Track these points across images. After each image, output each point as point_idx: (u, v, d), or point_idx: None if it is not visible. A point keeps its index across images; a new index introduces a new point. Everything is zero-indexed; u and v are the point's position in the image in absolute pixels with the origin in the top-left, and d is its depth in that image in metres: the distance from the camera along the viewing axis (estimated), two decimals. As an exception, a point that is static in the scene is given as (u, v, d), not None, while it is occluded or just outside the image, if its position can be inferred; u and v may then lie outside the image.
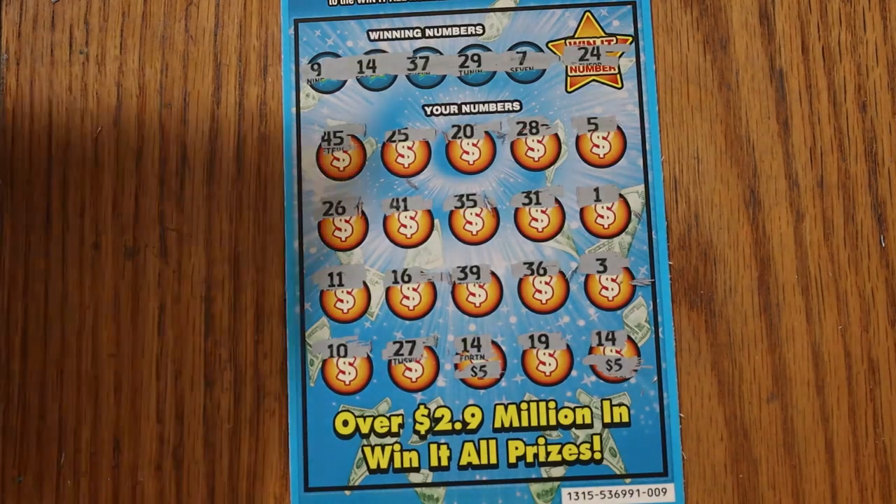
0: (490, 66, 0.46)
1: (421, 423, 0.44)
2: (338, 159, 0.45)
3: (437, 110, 0.45)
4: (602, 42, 0.46)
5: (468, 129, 0.45)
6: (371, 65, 0.46)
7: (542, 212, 0.45)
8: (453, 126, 0.45)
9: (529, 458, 0.43)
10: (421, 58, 0.46)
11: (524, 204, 0.45)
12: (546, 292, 0.44)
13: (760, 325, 0.44)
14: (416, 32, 0.46)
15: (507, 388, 0.44)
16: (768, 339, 0.44)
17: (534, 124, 0.45)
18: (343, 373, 0.44)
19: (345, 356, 0.44)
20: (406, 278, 0.44)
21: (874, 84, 0.45)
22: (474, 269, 0.44)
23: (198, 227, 0.45)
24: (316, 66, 0.46)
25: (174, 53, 0.46)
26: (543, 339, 0.44)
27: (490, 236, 0.45)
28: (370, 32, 0.46)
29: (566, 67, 0.45)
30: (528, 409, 0.44)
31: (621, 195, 0.45)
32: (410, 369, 0.44)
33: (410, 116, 0.45)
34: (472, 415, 0.44)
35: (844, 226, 0.44)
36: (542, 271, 0.44)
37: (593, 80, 0.45)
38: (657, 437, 0.43)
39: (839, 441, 0.43)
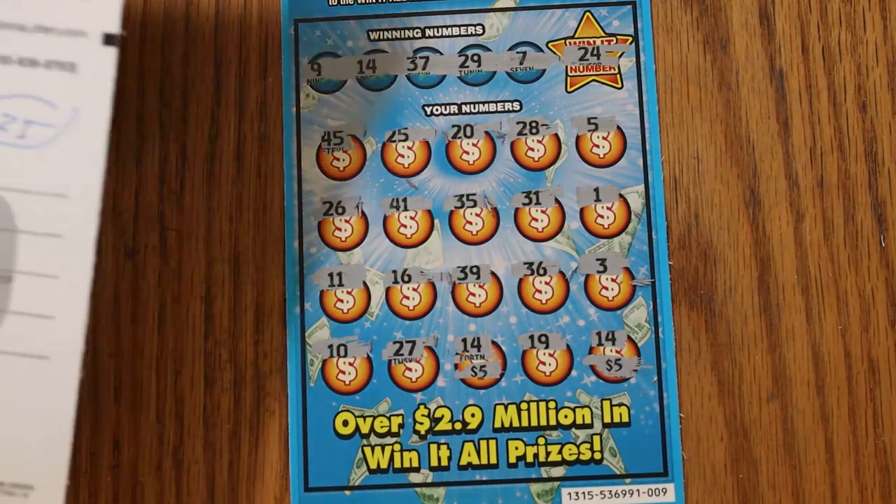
0: (490, 66, 0.46)
1: (421, 423, 0.44)
2: (338, 159, 0.45)
3: (437, 110, 0.45)
4: (602, 42, 0.46)
5: (468, 129, 0.45)
6: (371, 65, 0.46)
7: (542, 212, 0.45)
8: (453, 126, 0.45)
9: (529, 458, 0.43)
10: (421, 58, 0.46)
11: (524, 204, 0.45)
12: (546, 292, 0.44)
13: (760, 325, 0.44)
14: (416, 32, 0.46)
15: (507, 388, 0.44)
16: (768, 339, 0.44)
17: (534, 124, 0.45)
18: (343, 373, 0.44)
19: (345, 356, 0.44)
20: (406, 278, 0.44)
21: (874, 84, 0.45)
22: (474, 269, 0.44)
23: (198, 227, 0.45)
24: (316, 66, 0.46)
25: (174, 53, 0.46)
26: (543, 339, 0.44)
27: (490, 236, 0.45)
28: (370, 32, 0.46)
29: (566, 67, 0.45)
30: (528, 409, 0.44)
31: (621, 195, 0.45)
32: (410, 369, 0.44)
33: (410, 116, 0.45)
34: (472, 415, 0.44)
35: (844, 226, 0.44)
36: (542, 271, 0.44)
37: (593, 80, 0.45)
38: (657, 437, 0.43)
39: (839, 441, 0.43)
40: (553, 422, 0.44)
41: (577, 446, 0.43)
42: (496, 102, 0.45)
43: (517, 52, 0.46)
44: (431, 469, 0.43)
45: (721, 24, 0.46)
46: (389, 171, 0.45)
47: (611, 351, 0.44)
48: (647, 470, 0.43)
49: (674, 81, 0.45)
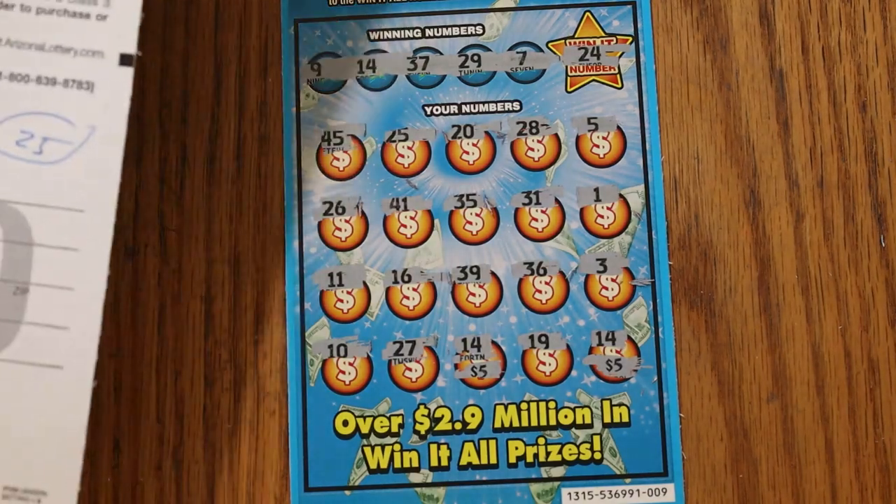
0: (490, 66, 0.46)
1: (421, 423, 0.44)
2: (338, 159, 0.45)
3: (437, 110, 0.45)
4: (602, 42, 0.46)
5: (468, 129, 0.45)
6: (371, 65, 0.46)
7: (542, 212, 0.45)
8: (453, 126, 0.45)
9: (529, 458, 0.43)
10: (421, 58, 0.46)
11: (524, 204, 0.45)
12: (546, 292, 0.44)
13: (760, 325, 0.44)
14: (416, 32, 0.46)
15: (507, 388, 0.44)
16: (768, 339, 0.44)
17: (534, 124, 0.45)
18: (343, 373, 0.44)
19: (345, 356, 0.44)
20: (406, 278, 0.44)
21: (874, 84, 0.45)
22: (474, 269, 0.44)
23: (198, 227, 0.45)
24: (316, 66, 0.46)
25: (174, 53, 0.46)
26: (543, 339, 0.44)
27: (490, 236, 0.45)
28: (370, 32, 0.46)
29: (566, 67, 0.45)
30: (528, 409, 0.44)
31: (621, 195, 0.45)
32: (410, 369, 0.44)
33: (410, 116, 0.45)
34: (472, 415, 0.44)
35: (844, 226, 0.44)
36: (542, 271, 0.44)
37: (593, 80, 0.45)
38: (657, 437, 0.43)
39: (839, 441, 0.43)
40: (553, 422, 0.44)
41: (577, 446, 0.43)
42: (496, 102, 0.45)
43: (517, 52, 0.46)
44: (431, 469, 0.43)
45: (721, 24, 0.46)
46: (389, 171, 0.45)
47: (611, 351, 0.44)
48: (647, 470, 0.43)
49: (674, 81, 0.45)
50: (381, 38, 0.46)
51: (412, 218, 0.45)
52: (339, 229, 0.45)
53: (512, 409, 0.44)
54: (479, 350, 0.44)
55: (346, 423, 0.44)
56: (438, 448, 0.44)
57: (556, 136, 0.45)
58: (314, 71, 0.46)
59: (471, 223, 0.45)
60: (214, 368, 0.44)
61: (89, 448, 0.44)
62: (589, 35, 0.46)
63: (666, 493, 0.43)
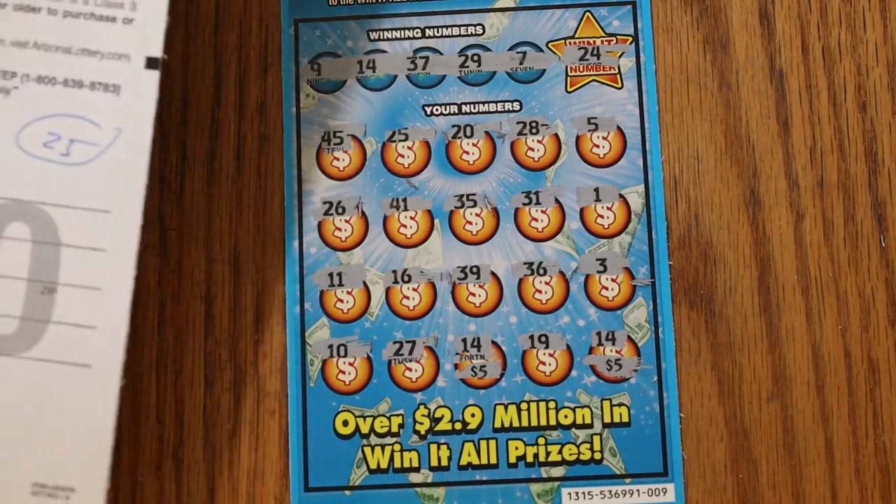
0: (490, 66, 0.46)
1: (421, 423, 0.44)
2: (338, 159, 0.45)
3: (437, 110, 0.45)
4: (602, 42, 0.46)
5: (468, 129, 0.45)
6: (371, 65, 0.46)
7: (542, 212, 0.45)
8: (453, 126, 0.45)
9: (529, 458, 0.43)
10: (421, 58, 0.46)
11: (524, 204, 0.45)
12: (546, 292, 0.44)
13: (760, 325, 0.44)
14: (416, 32, 0.46)
15: (507, 388, 0.44)
16: (768, 339, 0.44)
17: (534, 124, 0.45)
18: (343, 373, 0.44)
19: (345, 356, 0.44)
20: (406, 278, 0.44)
21: (874, 84, 0.45)
22: (474, 269, 0.44)
23: (198, 227, 0.45)
24: (316, 66, 0.46)
25: (174, 53, 0.46)
26: (543, 339, 0.44)
27: (490, 236, 0.45)
28: (370, 32, 0.46)
29: (566, 67, 0.45)
30: (528, 409, 0.44)
31: (621, 195, 0.45)
32: (410, 369, 0.44)
33: (410, 116, 0.45)
34: (472, 415, 0.44)
35: (844, 226, 0.44)
36: (542, 271, 0.44)
37: (593, 80, 0.45)
38: (657, 437, 0.43)
39: (839, 441, 0.43)
40: (553, 422, 0.44)
41: (577, 446, 0.43)
42: (496, 102, 0.45)
43: (517, 52, 0.46)
44: (431, 469, 0.43)
45: (721, 24, 0.46)
46: (389, 171, 0.45)
47: (611, 351, 0.44)
48: (647, 470, 0.43)
49: (674, 81, 0.45)
50: (381, 38, 0.46)
51: (412, 218, 0.45)
52: (339, 229, 0.45)
53: (512, 409, 0.44)
54: (479, 350, 0.44)
55: (346, 423, 0.44)
56: (438, 448, 0.44)
57: (556, 136, 0.45)
58: (314, 71, 0.46)
59: (471, 223, 0.45)
60: (214, 368, 0.44)
61: (89, 448, 0.44)
62: (589, 35, 0.46)
63: (666, 493, 0.43)
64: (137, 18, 0.38)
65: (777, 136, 0.45)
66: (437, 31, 0.46)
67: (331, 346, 0.44)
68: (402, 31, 0.46)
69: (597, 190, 0.45)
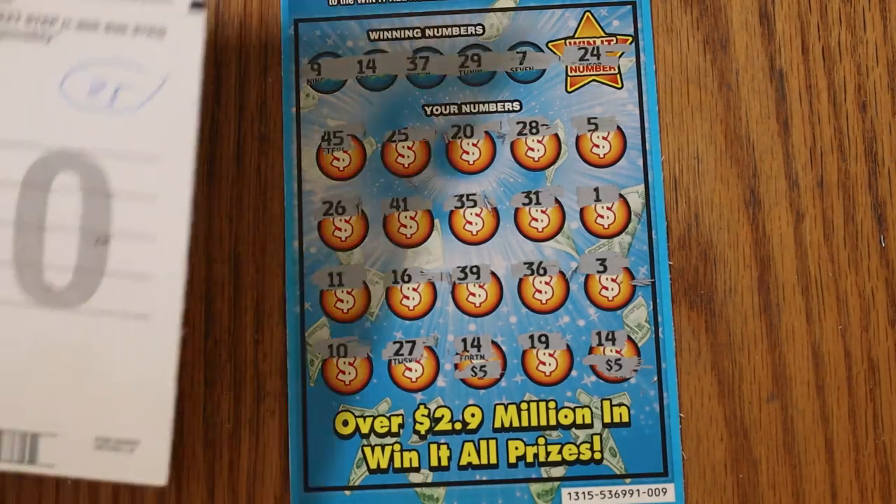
0: (490, 66, 0.46)
1: (421, 423, 0.44)
2: (338, 159, 0.45)
3: (437, 110, 0.45)
4: (602, 42, 0.46)
5: (468, 129, 0.45)
6: (371, 65, 0.46)
7: (542, 212, 0.45)
8: (453, 126, 0.45)
9: (529, 458, 0.43)
10: (421, 58, 0.46)
11: (524, 204, 0.45)
12: (546, 292, 0.44)
13: (760, 325, 0.44)
14: (416, 32, 0.46)
15: (507, 388, 0.44)
16: (768, 339, 0.44)
17: (534, 124, 0.45)
18: (343, 373, 0.44)
19: (345, 356, 0.44)
20: (406, 278, 0.44)
21: (874, 84, 0.45)
22: (474, 269, 0.44)
23: (198, 227, 0.45)
24: (316, 66, 0.46)
25: (174, 53, 0.46)
26: (543, 339, 0.44)
27: (490, 236, 0.45)
28: (370, 32, 0.46)
29: (566, 67, 0.45)
30: (528, 409, 0.44)
31: (621, 195, 0.45)
32: (410, 369, 0.44)
33: (410, 116, 0.45)
34: (472, 415, 0.44)
35: (844, 226, 0.44)
36: (542, 271, 0.44)
37: (593, 80, 0.45)
38: (657, 437, 0.43)
39: (839, 441, 0.43)
40: (553, 422, 0.44)
41: (577, 446, 0.43)
42: (496, 102, 0.45)
43: (517, 52, 0.46)
44: (431, 469, 0.43)
45: (721, 24, 0.46)
46: (389, 171, 0.45)
47: (611, 351, 0.44)
48: (647, 470, 0.43)
49: (674, 81, 0.45)
50: (381, 38, 0.46)
51: (412, 218, 0.45)
52: (339, 229, 0.45)
53: (512, 409, 0.44)
54: (479, 350, 0.44)
55: (346, 423, 0.44)
56: (438, 448, 0.44)
57: (556, 136, 0.45)
58: (314, 71, 0.46)
59: (471, 223, 0.45)
60: (214, 368, 0.44)
61: (89, 448, 0.44)
62: (589, 35, 0.46)
63: (666, 493, 0.43)
64: None
65: (777, 136, 0.45)
66: (437, 31, 0.46)
67: (331, 346, 0.44)
68: (402, 31, 0.46)
69: (597, 190, 0.45)
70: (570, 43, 0.46)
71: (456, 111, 0.45)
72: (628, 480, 0.43)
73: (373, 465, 0.43)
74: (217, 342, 0.44)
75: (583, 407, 0.44)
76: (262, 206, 0.45)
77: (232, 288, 0.45)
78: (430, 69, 0.46)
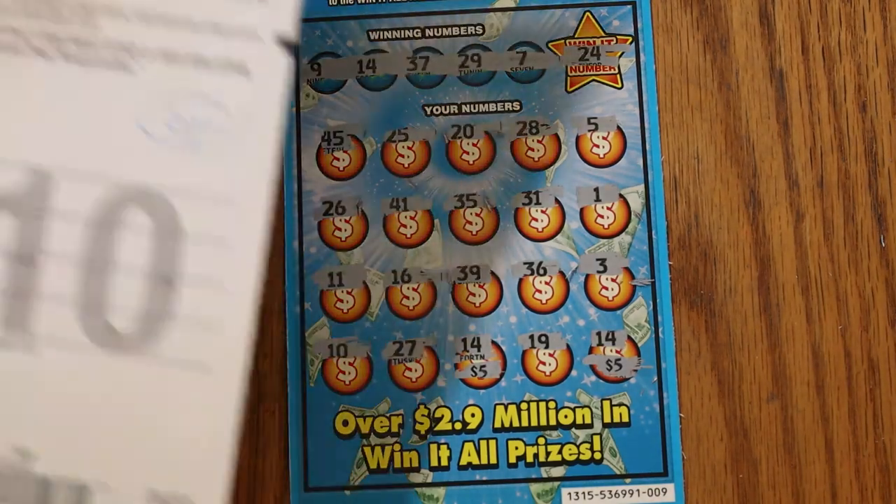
0: (490, 66, 0.46)
1: (421, 423, 0.44)
2: (338, 159, 0.45)
3: (437, 110, 0.45)
4: (602, 42, 0.46)
5: (468, 129, 0.45)
6: (371, 65, 0.46)
7: (542, 212, 0.45)
8: (453, 126, 0.45)
9: (529, 458, 0.43)
10: (421, 58, 0.46)
11: (524, 204, 0.45)
12: (546, 292, 0.44)
13: (760, 325, 0.44)
14: (416, 32, 0.46)
15: (507, 388, 0.44)
16: (768, 339, 0.44)
17: (534, 124, 0.45)
18: (343, 373, 0.44)
19: (345, 356, 0.44)
20: (406, 278, 0.44)
21: (874, 84, 0.45)
22: (474, 269, 0.44)
23: (198, 227, 0.45)
24: (316, 66, 0.46)
25: (174, 53, 0.46)
26: (543, 339, 0.44)
27: (490, 236, 0.45)
28: (370, 32, 0.46)
29: (566, 67, 0.45)
30: (528, 409, 0.44)
31: (621, 195, 0.45)
32: (410, 369, 0.44)
33: (410, 116, 0.45)
34: (472, 415, 0.44)
35: (844, 226, 0.44)
36: (542, 271, 0.44)
37: (593, 80, 0.45)
38: (657, 437, 0.43)
39: (839, 441, 0.43)
40: (553, 422, 0.44)
41: (577, 446, 0.43)
42: (496, 102, 0.45)
43: (517, 52, 0.46)
44: (431, 469, 0.43)
45: (721, 24, 0.46)
46: (389, 171, 0.45)
47: (611, 351, 0.44)
48: (647, 470, 0.43)
49: (674, 81, 0.45)
50: (381, 38, 0.46)
51: (412, 218, 0.45)
52: (339, 229, 0.45)
53: (512, 409, 0.44)
54: (479, 350, 0.44)
55: (346, 423, 0.44)
56: (438, 448, 0.44)
57: (556, 136, 0.45)
58: (314, 71, 0.46)
59: (471, 223, 0.45)
60: (214, 368, 0.44)
61: (89, 448, 0.44)
62: (589, 35, 0.46)
63: (666, 493, 0.43)
64: None
65: (777, 136, 0.45)
66: (437, 31, 0.46)
67: (331, 346, 0.44)
68: (402, 31, 0.46)
69: (597, 190, 0.45)
70: (570, 43, 0.46)
71: (456, 111, 0.45)
72: (628, 480, 0.43)
73: (373, 465, 0.43)
74: (217, 342, 0.44)
75: (583, 407, 0.44)
76: (262, 206, 0.45)
77: (232, 288, 0.44)
78: (430, 69, 0.46)
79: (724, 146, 0.45)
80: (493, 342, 0.44)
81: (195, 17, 0.35)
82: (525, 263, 0.44)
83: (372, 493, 0.43)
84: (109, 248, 0.34)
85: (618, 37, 0.46)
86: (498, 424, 0.44)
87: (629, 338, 0.44)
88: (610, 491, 0.43)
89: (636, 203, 0.45)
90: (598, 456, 0.43)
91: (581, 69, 0.45)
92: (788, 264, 0.44)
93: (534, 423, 0.44)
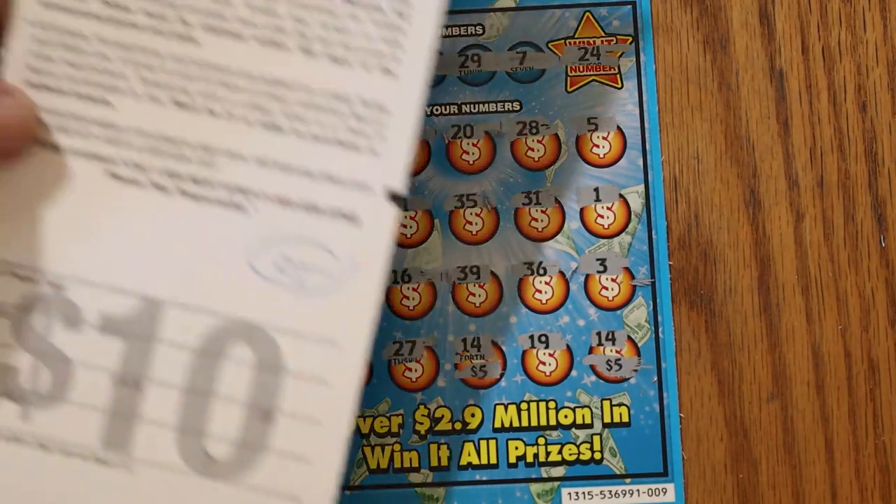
0: (490, 66, 0.46)
1: (421, 423, 0.44)
2: (338, 159, 0.45)
3: (437, 110, 0.45)
4: (602, 42, 0.46)
5: (468, 129, 0.45)
6: (371, 65, 0.46)
7: (542, 212, 0.45)
8: (453, 126, 0.45)
9: (529, 458, 0.43)
10: (421, 58, 0.46)
11: (524, 204, 0.45)
12: (546, 292, 0.44)
13: (760, 325, 0.44)
14: (416, 32, 0.46)
15: (507, 388, 0.44)
16: (768, 339, 0.44)
17: (534, 124, 0.45)
18: (343, 373, 0.44)
19: (345, 356, 0.44)
20: (406, 278, 0.44)
21: (874, 84, 0.45)
22: (474, 269, 0.44)
23: (198, 227, 0.45)
24: (316, 66, 0.46)
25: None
26: (543, 339, 0.44)
27: (490, 236, 0.45)
28: (370, 32, 0.46)
29: (566, 67, 0.45)
30: (528, 409, 0.44)
31: (621, 195, 0.45)
32: (410, 369, 0.44)
33: (410, 116, 0.45)
34: (472, 415, 0.44)
35: (844, 226, 0.44)
36: (542, 271, 0.44)
37: (593, 80, 0.45)
38: (657, 437, 0.43)
39: (839, 441, 0.43)
40: (553, 422, 0.44)
41: (577, 446, 0.43)
42: (496, 102, 0.45)
43: (517, 52, 0.46)
44: (431, 469, 0.43)
45: (721, 24, 0.46)
46: (389, 171, 0.45)
47: (611, 351, 0.44)
48: (647, 470, 0.43)
49: (674, 81, 0.45)
50: (381, 38, 0.46)
51: (412, 218, 0.45)
52: (339, 229, 0.45)
53: (512, 409, 0.44)
54: (479, 350, 0.44)
55: (346, 423, 0.44)
56: (438, 448, 0.44)
57: (556, 136, 0.45)
58: (314, 71, 0.46)
59: (471, 223, 0.45)
60: (214, 368, 0.44)
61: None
62: (589, 35, 0.46)
63: (666, 493, 0.43)
64: (383, 150, 0.36)
65: (777, 136, 0.45)
66: (437, 31, 0.46)
67: (331, 346, 0.44)
68: (402, 31, 0.46)
69: (597, 190, 0.45)
70: (570, 43, 0.46)
71: (456, 111, 0.45)
72: (628, 480, 0.43)
73: (373, 465, 0.43)
74: (217, 342, 0.44)
75: (583, 407, 0.44)
76: (262, 206, 0.45)
77: (232, 288, 0.44)
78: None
79: (724, 146, 0.45)
80: (493, 342, 0.44)
81: (311, 167, 0.36)
82: (525, 263, 0.44)
83: (372, 493, 0.43)
84: (212, 378, 0.36)
85: (618, 37, 0.46)
86: (498, 424, 0.44)
87: (629, 338, 0.44)
88: (610, 491, 0.43)
89: (636, 203, 0.45)
90: (598, 456, 0.43)
91: (581, 69, 0.45)
92: (788, 264, 0.44)
93: (534, 423, 0.44)
